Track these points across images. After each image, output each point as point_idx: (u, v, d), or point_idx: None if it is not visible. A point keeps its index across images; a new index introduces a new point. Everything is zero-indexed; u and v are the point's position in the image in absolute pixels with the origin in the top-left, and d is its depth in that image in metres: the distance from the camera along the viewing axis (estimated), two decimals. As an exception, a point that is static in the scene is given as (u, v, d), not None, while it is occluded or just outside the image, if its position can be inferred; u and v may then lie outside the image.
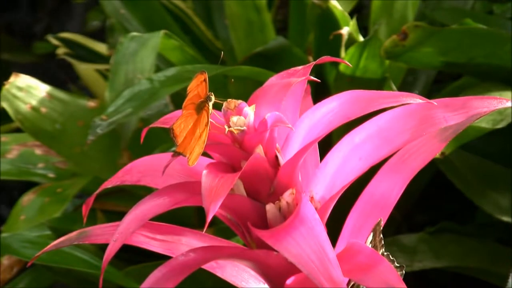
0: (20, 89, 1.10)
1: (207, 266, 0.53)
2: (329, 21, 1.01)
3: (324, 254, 0.43)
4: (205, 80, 0.50)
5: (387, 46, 0.95)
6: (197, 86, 0.50)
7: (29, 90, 1.11)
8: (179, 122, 0.49)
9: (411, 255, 0.96)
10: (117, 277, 0.91)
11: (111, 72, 1.05)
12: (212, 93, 0.49)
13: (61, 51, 1.36)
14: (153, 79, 0.96)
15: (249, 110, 0.49)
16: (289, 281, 0.49)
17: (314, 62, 0.51)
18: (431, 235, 0.98)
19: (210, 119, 0.48)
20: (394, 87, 0.99)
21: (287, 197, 0.48)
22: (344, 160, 0.51)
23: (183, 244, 0.53)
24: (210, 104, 0.49)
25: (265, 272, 0.50)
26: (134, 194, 1.09)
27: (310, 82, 0.53)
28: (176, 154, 0.49)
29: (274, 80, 0.52)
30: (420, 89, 1.14)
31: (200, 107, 0.49)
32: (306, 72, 0.51)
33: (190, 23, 1.27)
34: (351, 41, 1.00)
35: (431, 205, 1.18)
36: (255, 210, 0.49)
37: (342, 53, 1.00)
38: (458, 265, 0.97)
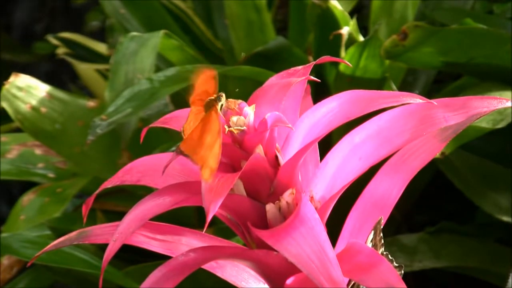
0: (20, 89, 1.10)
1: (207, 266, 0.53)
2: (329, 21, 1.01)
3: (324, 254, 0.43)
4: (214, 77, 0.49)
5: (387, 46, 0.95)
6: (205, 82, 0.49)
7: (29, 90, 1.11)
8: (189, 119, 0.48)
9: (411, 255, 0.96)
10: (117, 277, 0.91)
11: (111, 72, 1.05)
12: (223, 94, 0.48)
13: (61, 51, 1.36)
14: (153, 79, 0.96)
15: (249, 110, 0.49)
16: (289, 281, 0.49)
17: (314, 62, 0.51)
18: (431, 235, 0.98)
19: (220, 124, 0.47)
20: (394, 87, 0.99)
21: (287, 197, 0.48)
22: (344, 160, 0.51)
23: (183, 244, 0.53)
24: (219, 104, 0.48)
25: (265, 272, 0.50)
26: (134, 194, 1.09)
27: (310, 82, 0.53)
28: (179, 152, 0.47)
29: (274, 80, 0.52)
30: (420, 89, 1.14)
31: (209, 106, 0.48)
32: (306, 72, 0.51)
33: (190, 23, 1.27)
34: (351, 41, 1.00)
35: (431, 205, 1.18)
36: (255, 210, 0.49)
37: (342, 53, 1.00)
38: (458, 265, 0.97)
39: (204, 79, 0.49)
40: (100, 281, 0.49)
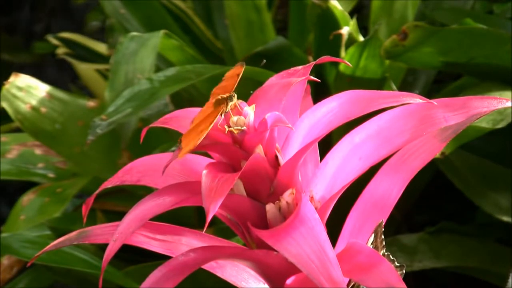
0: (20, 89, 1.10)
1: (207, 266, 0.53)
2: (329, 21, 1.01)
3: (324, 254, 0.43)
4: (238, 75, 0.49)
5: (387, 46, 0.95)
6: (231, 78, 0.49)
7: (29, 90, 1.11)
8: (200, 112, 0.48)
9: (411, 255, 0.96)
10: (117, 277, 0.91)
11: (111, 72, 1.05)
12: (235, 94, 0.49)
13: (61, 51, 1.36)
14: (153, 79, 0.96)
15: (249, 110, 0.49)
16: (289, 281, 0.49)
17: (314, 62, 0.51)
18: (431, 235, 0.98)
19: (216, 120, 0.47)
20: (394, 87, 0.99)
21: (287, 197, 0.48)
22: (344, 160, 0.51)
23: (183, 244, 0.53)
24: (230, 104, 0.48)
25: (265, 272, 0.50)
26: (134, 194, 1.09)
27: (310, 82, 0.53)
28: (179, 143, 0.48)
29: (274, 80, 0.52)
30: (420, 89, 1.14)
31: (219, 103, 0.48)
32: (306, 72, 0.51)
33: (190, 23, 1.27)
34: (351, 41, 1.00)
35: (431, 205, 1.18)
36: (255, 210, 0.49)
37: (342, 53, 1.00)
38: (458, 265, 0.97)
39: (232, 74, 0.49)
40: (100, 281, 0.49)
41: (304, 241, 0.44)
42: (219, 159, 0.49)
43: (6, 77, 1.11)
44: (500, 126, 0.87)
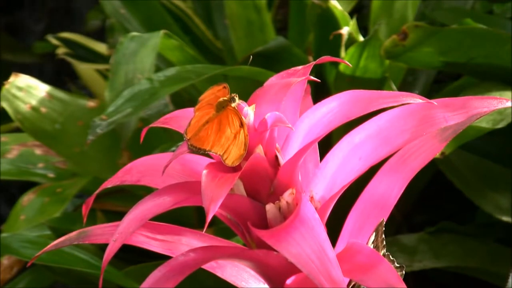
0: (20, 89, 1.10)
1: (207, 266, 0.53)
2: (329, 21, 1.02)
3: (324, 254, 0.43)
4: (224, 87, 0.49)
5: (387, 46, 0.95)
6: (212, 94, 0.49)
7: (29, 90, 1.11)
8: (193, 121, 0.49)
9: (411, 255, 0.96)
10: (117, 277, 0.91)
11: (111, 72, 1.05)
12: (237, 95, 0.49)
13: (61, 51, 1.36)
14: (153, 79, 0.96)
15: (249, 110, 0.49)
16: (289, 281, 0.49)
17: (314, 62, 0.51)
18: (431, 235, 0.98)
19: (242, 119, 0.48)
20: (394, 87, 0.99)
21: (287, 197, 0.48)
22: (344, 160, 0.51)
23: (183, 244, 0.53)
24: (234, 104, 0.48)
25: (265, 272, 0.50)
26: (134, 194, 1.09)
27: (310, 82, 0.53)
28: (193, 149, 0.48)
29: (274, 80, 0.52)
30: (420, 89, 1.14)
31: (222, 105, 0.49)
32: (306, 72, 0.51)
33: (190, 23, 1.27)
34: (351, 41, 1.00)
35: (431, 205, 1.19)
36: (255, 210, 0.49)
37: (342, 53, 1.01)
38: (458, 265, 0.97)
39: (212, 92, 0.49)
40: (100, 281, 0.49)
41: (304, 241, 0.44)
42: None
43: (6, 77, 1.11)
44: (500, 126, 0.87)
